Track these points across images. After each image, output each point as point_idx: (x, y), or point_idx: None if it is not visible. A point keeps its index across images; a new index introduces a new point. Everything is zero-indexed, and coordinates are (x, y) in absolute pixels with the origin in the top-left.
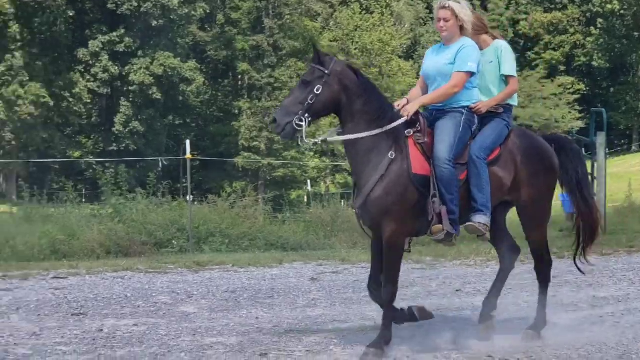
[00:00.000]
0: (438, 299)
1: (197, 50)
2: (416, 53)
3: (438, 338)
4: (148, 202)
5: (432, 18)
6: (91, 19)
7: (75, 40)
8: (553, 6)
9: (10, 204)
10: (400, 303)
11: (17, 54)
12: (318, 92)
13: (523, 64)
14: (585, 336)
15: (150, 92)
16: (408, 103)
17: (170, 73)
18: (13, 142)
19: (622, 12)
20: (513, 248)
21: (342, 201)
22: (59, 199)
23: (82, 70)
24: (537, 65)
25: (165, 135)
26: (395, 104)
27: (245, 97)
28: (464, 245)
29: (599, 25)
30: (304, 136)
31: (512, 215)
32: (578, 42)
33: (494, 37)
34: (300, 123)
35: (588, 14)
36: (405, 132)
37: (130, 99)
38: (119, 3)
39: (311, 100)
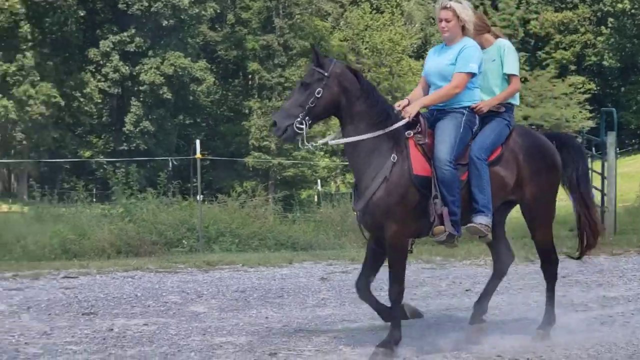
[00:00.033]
0: (448, 299)
1: (207, 50)
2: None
3: (447, 337)
4: (158, 201)
5: None
6: (102, 19)
7: (86, 40)
8: (564, 5)
9: (22, 204)
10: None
11: (28, 54)
12: (319, 96)
13: (534, 63)
14: (595, 336)
15: (161, 92)
16: (409, 104)
17: (180, 73)
18: (24, 142)
19: (633, 11)
20: (508, 254)
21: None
22: (69, 198)
23: (93, 70)
24: (547, 65)
25: (176, 135)
26: (396, 104)
27: (256, 96)
28: (473, 245)
29: (610, 25)
30: (304, 139)
31: (517, 214)
32: (589, 42)
33: (497, 36)
34: (301, 126)
35: (599, 14)
36: (406, 133)
37: (141, 99)
38: (130, 3)
39: (312, 103)
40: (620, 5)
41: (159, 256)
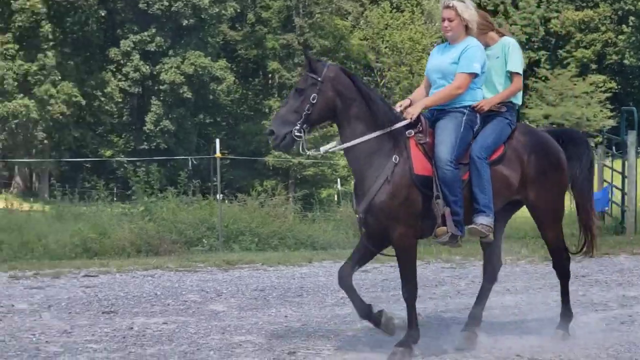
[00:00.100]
0: (467, 298)
1: (227, 49)
2: None
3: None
4: (178, 200)
5: None
6: (122, 19)
7: (106, 39)
8: (584, 4)
9: (43, 203)
10: (425, 302)
11: (50, 54)
12: (314, 102)
13: (554, 62)
14: (614, 335)
15: (181, 91)
16: (411, 104)
17: (200, 72)
18: (45, 141)
19: None
20: (499, 259)
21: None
22: (90, 197)
23: (114, 69)
24: (568, 64)
25: (196, 134)
26: (397, 105)
27: (276, 95)
28: None
29: (631, 23)
30: (304, 146)
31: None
32: (609, 40)
33: (502, 34)
34: (299, 134)
35: (620, 12)
36: (407, 132)
37: (161, 98)
38: (150, 2)
39: (308, 110)
40: None
41: (178, 255)
